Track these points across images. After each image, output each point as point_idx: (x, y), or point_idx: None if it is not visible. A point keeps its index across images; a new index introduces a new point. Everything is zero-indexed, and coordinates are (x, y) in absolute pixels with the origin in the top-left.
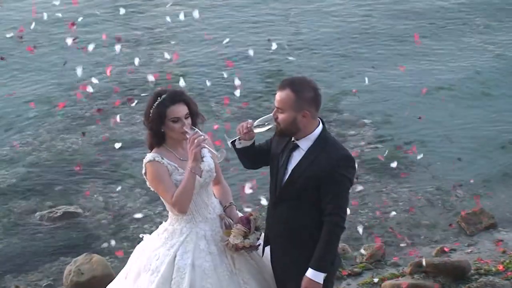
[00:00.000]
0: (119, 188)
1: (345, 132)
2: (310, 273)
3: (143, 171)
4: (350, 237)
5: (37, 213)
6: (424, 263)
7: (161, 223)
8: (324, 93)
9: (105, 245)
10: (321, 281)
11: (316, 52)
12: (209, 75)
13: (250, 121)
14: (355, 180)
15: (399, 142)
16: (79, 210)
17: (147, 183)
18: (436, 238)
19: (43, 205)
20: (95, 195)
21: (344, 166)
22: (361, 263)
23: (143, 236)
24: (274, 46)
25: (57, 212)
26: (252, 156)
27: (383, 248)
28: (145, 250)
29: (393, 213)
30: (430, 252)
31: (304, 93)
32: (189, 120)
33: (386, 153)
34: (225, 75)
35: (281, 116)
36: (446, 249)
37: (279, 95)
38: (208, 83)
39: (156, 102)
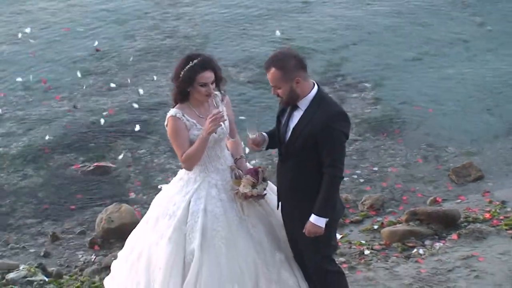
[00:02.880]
0: (145, 144)
1: (348, 95)
2: (313, 218)
3: (166, 123)
4: (353, 188)
5: (72, 167)
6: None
7: None
8: (327, 60)
9: (132, 195)
10: (323, 225)
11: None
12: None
13: (249, 138)
14: (358, 137)
15: (396, 103)
16: (110, 164)
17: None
18: (429, 190)
19: (78, 160)
20: (124, 151)
21: (338, 121)
22: (362, 211)
23: (161, 187)
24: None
25: (90, 166)
26: (277, 143)
27: (382, 198)
28: (163, 198)
29: (391, 167)
30: (424, 202)
31: (288, 65)
32: (213, 85)
33: (383, 113)
34: None
35: (279, 92)
36: (438, 199)
37: (268, 76)
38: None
39: (188, 66)
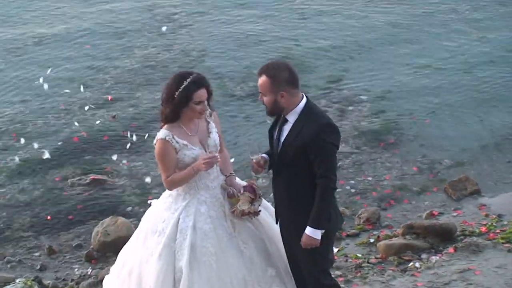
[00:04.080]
0: (142, 157)
1: (344, 108)
2: (308, 230)
3: (154, 142)
4: (349, 201)
5: (69, 180)
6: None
7: None
8: (324, 72)
9: (129, 208)
10: (319, 237)
11: (319, 37)
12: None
13: (252, 159)
14: (354, 150)
15: (392, 115)
16: (106, 178)
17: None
18: (425, 203)
19: (74, 173)
20: (121, 164)
21: (325, 132)
22: (358, 225)
23: (151, 202)
24: None
25: (86, 179)
26: None
27: (378, 212)
28: (152, 214)
29: (387, 180)
30: (420, 216)
31: (278, 76)
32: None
33: (380, 126)
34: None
35: (264, 99)
36: (434, 213)
37: (259, 82)
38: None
39: (183, 85)
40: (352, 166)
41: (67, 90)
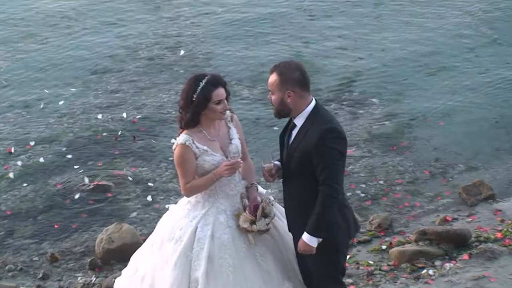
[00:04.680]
0: (146, 163)
1: (355, 111)
2: (305, 236)
3: (173, 147)
4: (360, 207)
5: (72, 186)
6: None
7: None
8: (335, 75)
9: (133, 214)
10: (315, 245)
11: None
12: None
13: (264, 167)
14: (366, 154)
15: (405, 118)
16: (110, 183)
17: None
18: (439, 208)
19: (78, 179)
20: (125, 170)
21: (330, 138)
22: (370, 231)
23: (168, 207)
24: None
25: (89, 185)
26: None
27: (390, 217)
28: (169, 220)
29: (399, 185)
30: (434, 221)
31: (288, 75)
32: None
33: (392, 129)
34: None
35: (272, 98)
36: (448, 218)
37: (269, 79)
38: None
39: (200, 87)
40: (364, 170)
41: (68, 94)
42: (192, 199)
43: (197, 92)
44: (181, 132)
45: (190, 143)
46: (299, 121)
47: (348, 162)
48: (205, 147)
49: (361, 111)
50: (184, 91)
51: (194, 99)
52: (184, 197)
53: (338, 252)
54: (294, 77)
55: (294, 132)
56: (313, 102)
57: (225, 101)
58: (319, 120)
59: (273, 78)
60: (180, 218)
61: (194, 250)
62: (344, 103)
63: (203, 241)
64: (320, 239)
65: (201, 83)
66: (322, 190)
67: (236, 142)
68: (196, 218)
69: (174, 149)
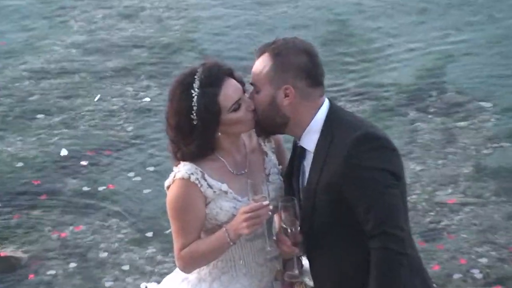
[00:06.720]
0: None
1: (450, 123)
2: None
3: (167, 184)
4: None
5: None
6: None
7: None
8: (404, 63)
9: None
10: None
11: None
12: None
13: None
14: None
15: None
16: (19, 255)
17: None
18: None
19: None
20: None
21: (362, 151)
22: None
23: (146, 287)
24: None
25: None
26: None
27: None
28: None
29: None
30: None
31: (289, 58)
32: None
33: None
34: None
35: (255, 100)
36: None
37: (253, 67)
38: None
39: (195, 97)
40: (468, 228)
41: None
42: (192, 275)
43: (194, 107)
44: (178, 162)
45: (196, 178)
46: (308, 142)
47: (442, 212)
48: (224, 186)
49: (460, 124)
50: (174, 113)
51: (194, 121)
52: (179, 271)
53: None
54: (300, 62)
55: (307, 164)
56: (326, 104)
57: (245, 96)
58: (340, 130)
59: (262, 62)
60: None
61: None
62: (431, 110)
63: None
64: None
65: (193, 91)
66: (377, 244)
67: (277, 178)
68: None
69: (168, 188)
